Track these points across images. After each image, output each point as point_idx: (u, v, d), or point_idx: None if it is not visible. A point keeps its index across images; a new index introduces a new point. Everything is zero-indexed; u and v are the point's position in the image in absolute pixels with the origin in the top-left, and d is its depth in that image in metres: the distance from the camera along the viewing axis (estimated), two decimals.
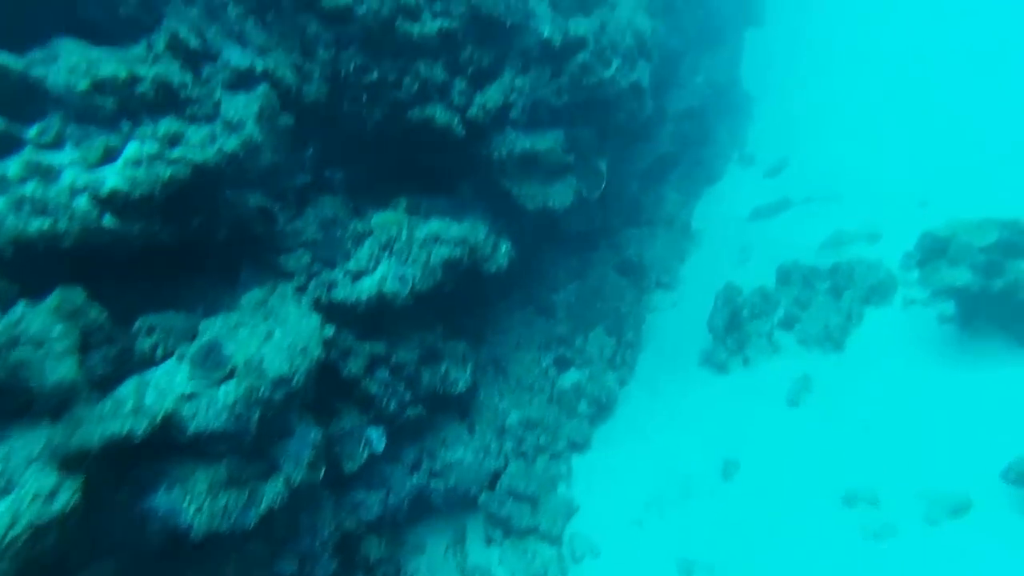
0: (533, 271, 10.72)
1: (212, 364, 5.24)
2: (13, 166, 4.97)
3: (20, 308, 4.57)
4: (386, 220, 7.40)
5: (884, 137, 12.85)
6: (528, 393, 8.60)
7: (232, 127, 5.98)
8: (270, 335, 5.76)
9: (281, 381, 5.37)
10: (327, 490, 6.53)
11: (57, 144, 5.31)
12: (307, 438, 5.71)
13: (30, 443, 4.18)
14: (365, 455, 6.66)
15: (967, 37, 14.61)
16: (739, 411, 8.51)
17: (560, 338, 9.66)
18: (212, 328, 5.65)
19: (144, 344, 5.38)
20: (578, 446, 8.53)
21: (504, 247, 7.96)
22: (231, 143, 5.85)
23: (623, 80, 8.16)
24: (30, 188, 4.95)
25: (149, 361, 5.36)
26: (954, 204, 10.58)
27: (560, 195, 8.08)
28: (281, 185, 7.11)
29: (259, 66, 6.42)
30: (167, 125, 5.59)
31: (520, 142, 7.76)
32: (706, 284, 11.13)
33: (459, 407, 7.95)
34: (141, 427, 4.70)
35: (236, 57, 6.34)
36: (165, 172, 5.40)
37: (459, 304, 8.43)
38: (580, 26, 7.82)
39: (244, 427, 5.13)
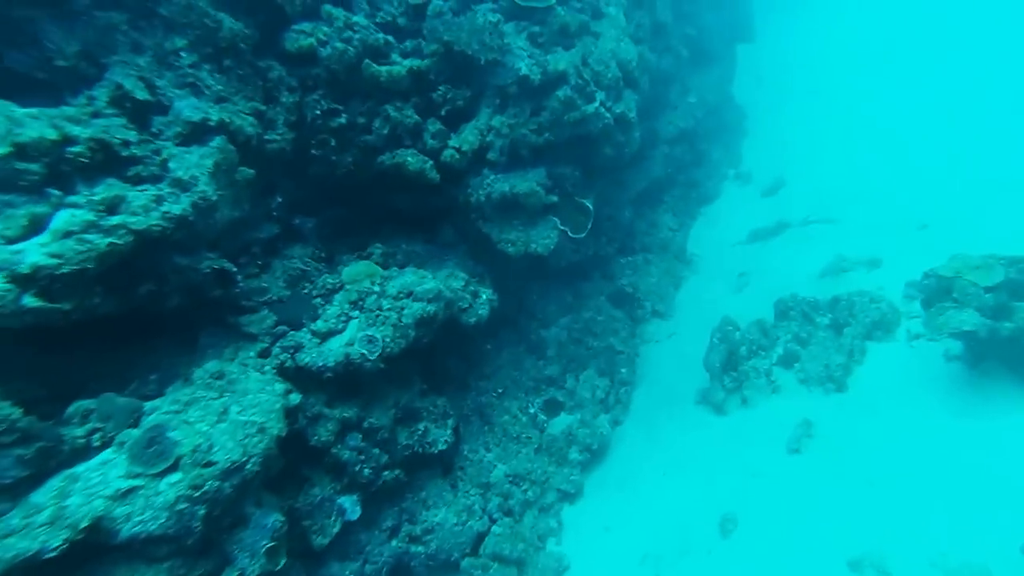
0: (523, 306, 10.11)
1: (154, 454, 4.63)
2: None
3: None
4: (357, 272, 6.78)
5: (881, 155, 12.16)
6: (515, 444, 7.97)
7: (183, 186, 5.37)
8: (225, 412, 5.15)
9: (233, 470, 4.76)
10: (297, 563, 5.91)
11: None
12: (265, 525, 5.09)
13: None
14: (337, 527, 6.04)
15: (967, 52, 13.89)
16: (738, 458, 7.83)
17: (550, 379, 9.03)
18: (160, 408, 5.04)
19: (77, 432, 4.77)
20: (569, 496, 7.89)
21: (485, 295, 7.34)
22: (180, 205, 5.23)
23: (608, 114, 7.52)
24: None
25: (84, 451, 4.75)
26: (955, 227, 9.91)
27: (543, 238, 7.45)
28: (245, 239, 6.52)
29: (214, 117, 5.80)
30: (105, 189, 4.97)
31: (498, 185, 7.13)
32: (703, 313, 10.51)
33: (442, 462, 7.32)
34: (57, 541, 4.09)
35: (189, 109, 5.73)
36: (101, 243, 4.77)
37: (440, 352, 7.82)
38: (560, 60, 7.19)
39: (187, 527, 4.51)
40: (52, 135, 4.80)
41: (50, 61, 5.45)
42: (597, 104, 7.33)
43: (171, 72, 5.89)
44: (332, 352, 6.09)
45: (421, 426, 6.87)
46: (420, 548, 6.63)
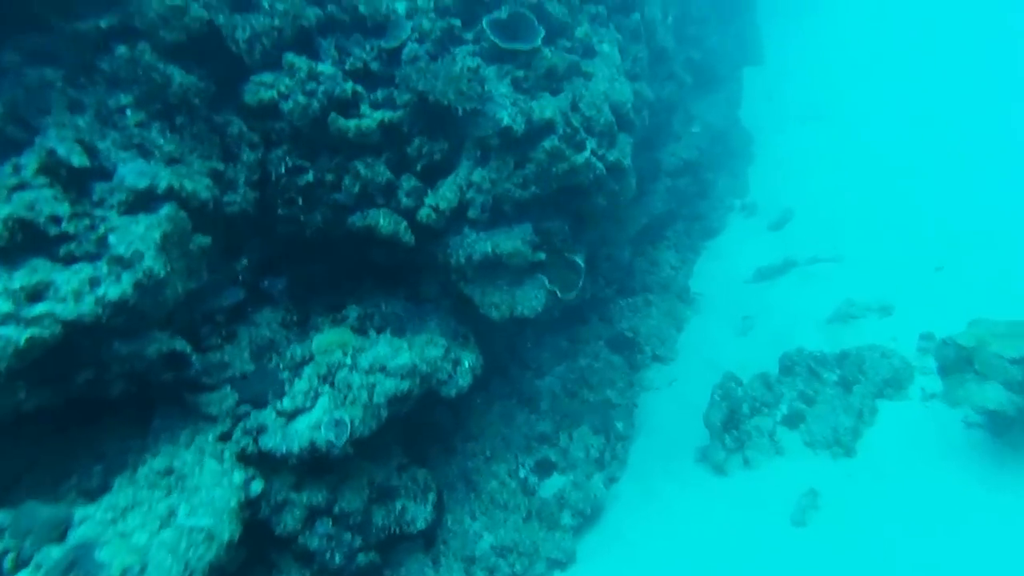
0: (516, 353, 9.46)
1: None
2: None
3: None
4: (329, 342, 6.18)
5: (895, 188, 11.35)
6: (503, 511, 7.31)
7: (124, 264, 4.78)
8: (171, 515, 4.58)
9: None
10: None
11: None
12: None
13: None
14: None
15: (991, 80, 13.02)
16: (738, 527, 7.11)
17: (543, 436, 8.36)
18: (93, 516, 4.45)
19: None
20: (560, 564, 7.21)
21: (467, 362, 6.69)
22: (119, 287, 4.65)
23: (600, 163, 6.85)
24: None
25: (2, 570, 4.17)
26: (973, 269, 9.12)
27: (530, 299, 6.79)
28: (207, 308, 5.93)
29: (163, 183, 5.20)
30: (27, 275, 4.40)
31: (480, 245, 6.49)
32: (706, 357, 9.82)
33: (424, 534, 6.66)
34: None
35: (134, 175, 5.13)
36: (19, 337, 4.20)
37: (425, 411, 7.18)
38: (547, 107, 6.52)
39: None
40: None
41: None
42: (588, 153, 6.66)
43: (116, 132, 5.32)
44: (297, 436, 5.48)
45: (398, 504, 6.26)
46: None
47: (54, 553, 4.21)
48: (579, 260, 7.11)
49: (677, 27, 11.63)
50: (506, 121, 6.24)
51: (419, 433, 7.41)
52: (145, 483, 4.78)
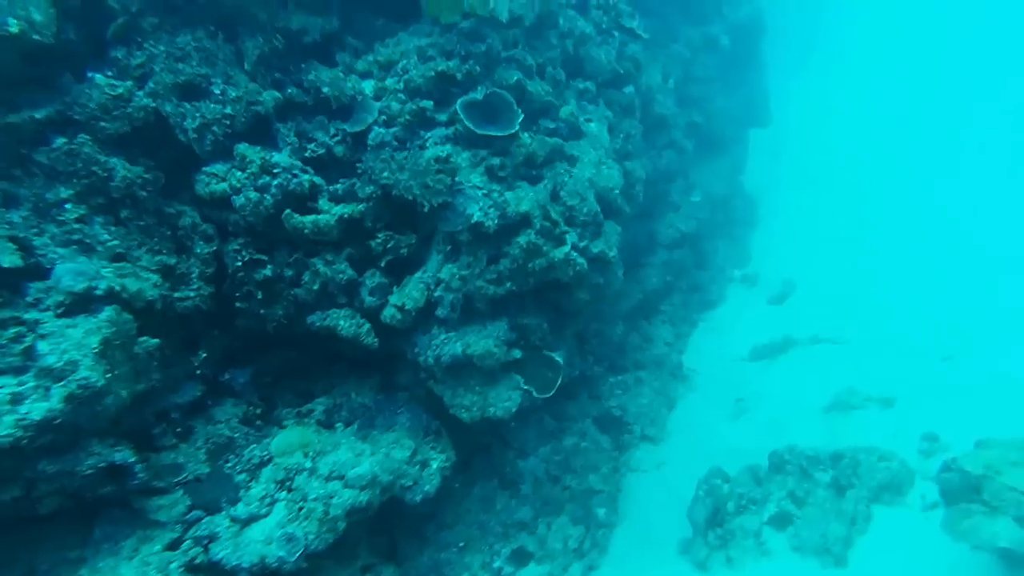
0: (498, 431, 9.00)
1: None
2: None
3: None
4: (290, 443, 5.83)
5: (903, 266, 10.78)
6: None
7: (55, 376, 4.47)
8: None
9: None
10: None
11: None
12: None
13: None
14: None
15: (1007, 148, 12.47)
16: None
17: (521, 523, 7.87)
18: None
19: None
20: None
21: (436, 463, 6.29)
22: (46, 403, 4.34)
23: (581, 258, 6.44)
24: None
25: None
26: (983, 361, 8.52)
27: (504, 400, 6.37)
28: (160, 406, 5.60)
29: (102, 284, 4.88)
30: None
31: (449, 346, 6.10)
32: (696, 440, 9.30)
33: None
34: None
35: (70, 276, 4.81)
36: None
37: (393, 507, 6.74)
38: (524, 199, 6.16)
39: None
40: None
41: None
42: (568, 248, 6.27)
43: (54, 227, 5.02)
44: (249, 548, 5.09)
45: None
46: None
47: None
48: (558, 358, 6.69)
49: (680, 88, 11.28)
50: (477, 216, 5.88)
51: (390, 521, 6.98)
52: None
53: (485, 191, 6.08)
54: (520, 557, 7.68)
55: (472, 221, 5.90)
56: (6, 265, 4.57)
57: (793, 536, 7.00)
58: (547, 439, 9.14)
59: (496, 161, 6.33)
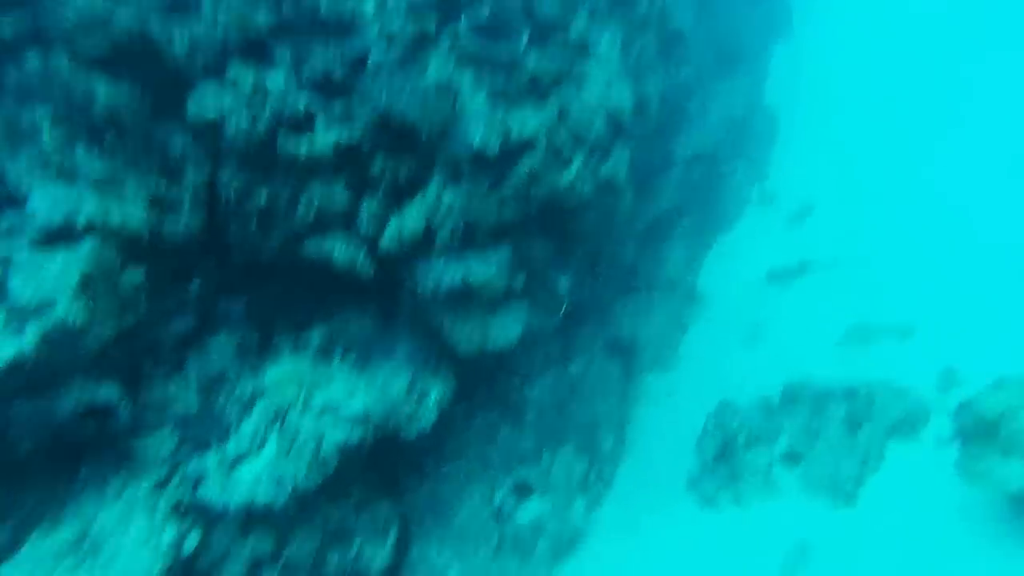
0: (503, 359, 8.91)
1: None
2: None
3: None
4: (283, 377, 5.74)
5: (931, 188, 10.28)
6: (474, 541, 6.93)
7: (29, 314, 4.30)
8: None
9: None
10: None
11: None
12: None
13: None
14: None
15: None
16: (723, 571, 6.62)
17: (524, 455, 7.90)
18: None
19: None
20: None
21: (434, 395, 6.20)
22: (18, 342, 4.18)
23: (589, 182, 6.12)
24: None
25: None
26: (1009, 292, 8.20)
27: (503, 331, 6.22)
28: (151, 339, 5.47)
29: (84, 215, 4.66)
30: None
31: (449, 274, 5.88)
32: (708, 367, 9.19)
33: (384, 573, 6.30)
34: None
35: (47, 206, 4.58)
36: None
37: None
38: (527, 124, 5.79)
39: None
40: None
41: None
42: (574, 173, 5.94)
43: (27, 153, 4.74)
44: (237, 488, 5.08)
45: (355, 545, 5.88)
46: None
47: None
48: (563, 285, 6.48)
49: (700, 4, 10.54)
50: (478, 143, 5.53)
51: (387, 455, 6.99)
52: (51, 555, 4.41)
53: (488, 114, 5.69)
54: (522, 491, 7.71)
55: (474, 146, 5.55)
56: None
57: (804, 473, 6.96)
58: (552, 366, 9.04)
59: (500, 82, 5.90)
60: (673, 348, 9.61)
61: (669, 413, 8.74)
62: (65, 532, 4.55)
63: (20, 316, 4.25)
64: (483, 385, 8.47)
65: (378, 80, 5.47)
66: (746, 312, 9.71)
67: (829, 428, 7.11)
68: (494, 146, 5.55)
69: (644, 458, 8.26)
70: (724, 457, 7.22)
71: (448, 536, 6.98)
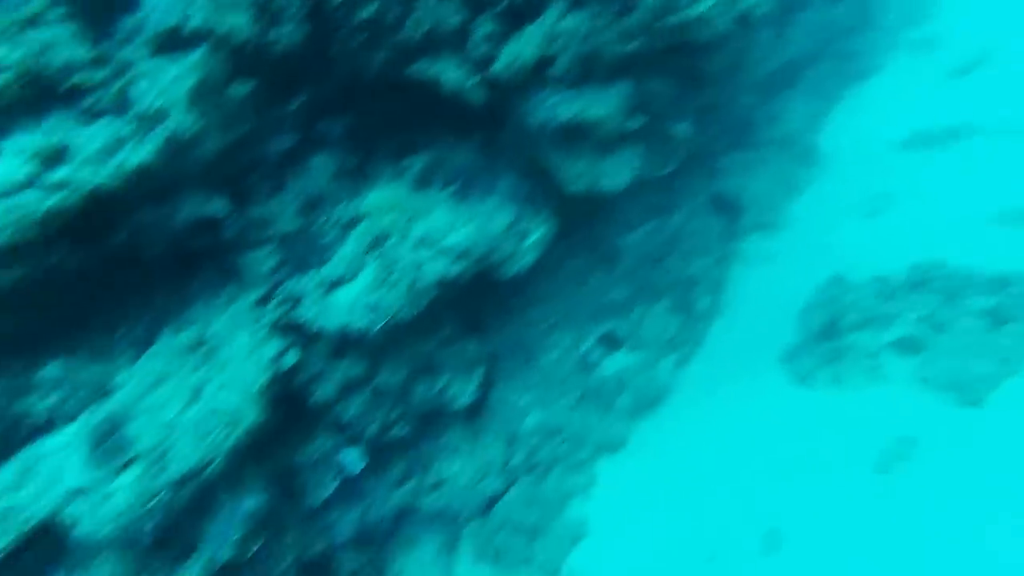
0: (604, 202, 8.77)
1: (111, 449, 4.36)
2: None
3: None
4: (382, 203, 5.83)
5: None
6: (558, 387, 7.28)
7: (150, 121, 4.46)
8: (198, 392, 4.74)
9: (189, 477, 4.45)
10: (294, 513, 5.85)
11: None
12: (237, 513, 4.90)
13: None
14: (335, 484, 5.83)
15: None
16: (808, 456, 6.64)
17: (615, 306, 8.01)
18: (128, 384, 4.68)
19: (44, 404, 4.53)
20: (609, 448, 7.28)
21: (536, 234, 6.21)
22: (144, 149, 4.39)
23: (725, 13, 5.56)
24: None
25: (49, 424, 4.53)
26: None
27: (614, 174, 6.04)
28: (253, 156, 5.63)
29: (195, 20, 4.63)
30: (44, 136, 4.17)
31: (563, 108, 5.63)
32: (819, 234, 8.75)
33: (468, 408, 6.79)
34: (7, 540, 4.01)
35: (162, 9, 4.58)
36: (41, 206, 4.11)
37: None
38: None
39: (137, 536, 4.33)
40: None
41: None
42: (708, 4, 5.39)
43: None
44: (334, 312, 5.40)
45: (443, 379, 6.29)
46: (428, 501, 6.41)
47: (96, 415, 4.51)
48: (681, 131, 6.16)
49: None
50: None
51: (478, 292, 7.22)
52: (178, 352, 4.91)
53: None
54: (610, 342, 7.88)
55: None
56: None
57: (921, 365, 6.58)
58: (653, 216, 8.89)
59: None
60: (782, 211, 9.20)
61: (770, 279, 8.51)
62: (187, 335, 5.02)
63: (141, 124, 4.40)
64: (581, 228, 8.44)
65: None
66: (874, 179, 9.05)
67: (963, 320, 6.69)
68: None
69: (739, 323, 8.20)
70: (828, 335, 7.08)
71: (531, 381, 7.35)
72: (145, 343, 5.01)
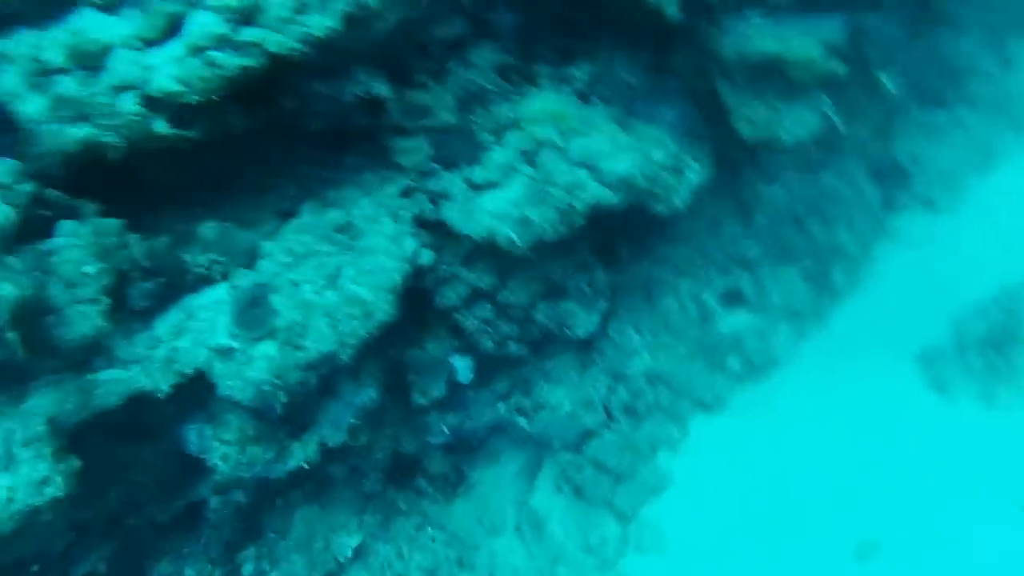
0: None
1: (253, 318, 4.64)
2: (53, 51, 4.08)
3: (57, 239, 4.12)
4: (541, 111, 5.76)
5: None
6: (671, 336, 7.32)
7: None
8: (336, 276, 4.95)
9: (321, 361, 4.70)
10: (397, 407, 6.21)
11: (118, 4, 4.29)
12: (353, 403, 5.22)
13: (35, 416, 4.02)
14: (443, 390, 6.12)
15: None
16: (936, 472, 6.49)
17: (744, 260, 7.87)
18: (274, 255, 4.93)
19: (199, 260, 4.83)
20: (705, 408, 7.38)
21: (692, 174, 6.05)
22: (326, 20, 4.39)
23: None
24: (70, 85, 4.11)
25: (205, 279, 4.86)
26: None
27: (798, 125, 5.78)
28: (421, 38, 5.60)
29: None
30: None
31: (762, 41, 5.35)
32: (1003, 223, 8.10)
33: (583, 340, 6.91)
34: (167, 384, 4.46)
35: None
36: (231, 65, 4.23)
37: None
38: None
39: (269, 405, 4.68)
40: None
41: None
42: None
43: None
44: (479, 218, 5.46)
45: (565, 307, 6.38)
46: (524, 422, 6.68)
47: (244, 281, 4.80)
48: (888, 83, 5.81)
49: None
50: None
51: (624, 223, 7.16)
52: (322, 230, 5.08)
53: None
54: (732, 298, 7.79)
55: None
56: None
57: None
58: (803, 170, 8.52)
59: None
60: (962, 188, 8.62)
61: (924, 266, 8.10)
62: (333, 214, 5.20)
63: None
64: (725, 171, 8.19)
65: None
66: None
67: None
68: None
69: (875, 307, 7.87)
70: (990, 346, 6.77)
71: (647, 323, 7.37)
72: (291, 214, 5.23)
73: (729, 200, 8.23)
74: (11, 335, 3.77)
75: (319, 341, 4.65)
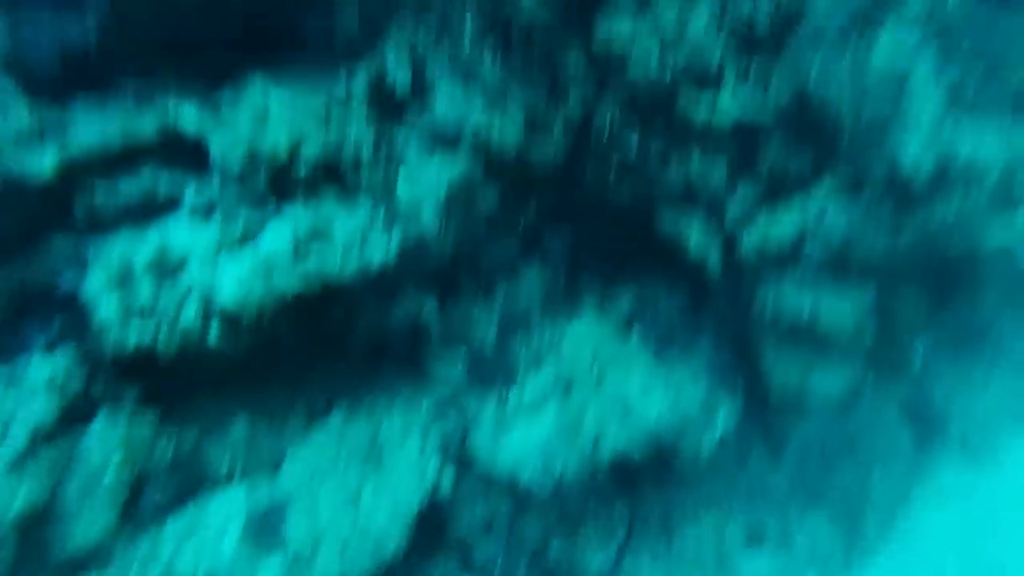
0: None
1: (264, 536, 4.65)
2: (144, 251, 4.50)
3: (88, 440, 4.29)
4: (581, 339, 6.08)
5: None
6: (686, 573, 7.17)
7: (400, 217, 4.91)
8: (356, 498, 5.00)
9: None
10: None
11: (209, 211, 4.73)
12: None
13: None
14: None
15: None
16: None
17: (770, 496, 7.83)
18: (295, 470, 5.01)
19: (222, 460, 4.92)
20: None
21: (722, 415, 6.24)
22: (384, 246, 4.79)
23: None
24: (145, 291, 4.49)
25: (224, 478, 4.91)
26: None
27: (827, 386, 6.08)
28: (472, 256, 6.03)
29: (470, 122, 5.13)
30: (313, 213, 4.70)
31: (799, 299, 5.74)
32: None
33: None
34: None
35: (445, 104, 5.10)
36: (289, 290, 4.58)
37: None
38: (987, 146, 5.31)
39: None
40: (284, 144, 4.56)
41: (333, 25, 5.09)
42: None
43: (445, 48, 5.23)
44: (504, 455, 5.57)
45: (581, 540, 6.32)
46: None
47: (263, 489, 4.84)
48: (915, 350, 6.16)
49: None
50: (908, 160, 5.19)
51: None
52: (348, 450, 5.20)
53: (934, 124, 5.28)
54: (754, 537, 7.56)
55: (900, 163, 5.25)
56: (403, 90, 4.89)
57: None
58: (833, 407, 8.72)
59: (962, 77, 5.44)
60: (1004, 438, 8.76)
61: (965, 525, 8.10)
62: (361, 426, 5.33)
63: (391, 220, 4.85)
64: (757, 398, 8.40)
65: (810, 48, 5.27)
66: None
67: None
68: (926, 170, 5.20)
69: (910, 564, 7.84)
70: None
71: (662, 554, 7.23)
72: (323, 414, 5.36)
73: (757, 433, 8.36)
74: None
75: (326, 568, 4.60)
